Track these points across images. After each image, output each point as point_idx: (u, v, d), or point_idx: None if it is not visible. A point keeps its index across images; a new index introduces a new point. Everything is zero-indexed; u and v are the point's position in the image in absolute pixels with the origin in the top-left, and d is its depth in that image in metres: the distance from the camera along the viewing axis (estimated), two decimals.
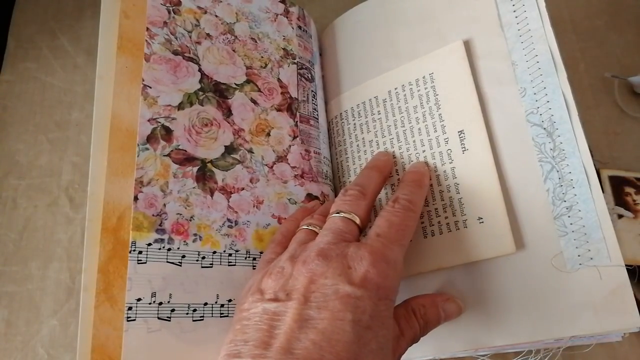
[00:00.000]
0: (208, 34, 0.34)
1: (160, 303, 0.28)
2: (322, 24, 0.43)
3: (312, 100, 0.39)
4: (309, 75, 0.39)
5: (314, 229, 0.30)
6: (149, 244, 0.28)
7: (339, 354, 0.22)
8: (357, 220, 0.29)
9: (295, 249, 0.28)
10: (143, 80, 0.31)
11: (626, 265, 0.27)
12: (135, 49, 0.31)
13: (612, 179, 0.36)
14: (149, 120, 0.30)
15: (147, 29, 0.31)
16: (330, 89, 0.40)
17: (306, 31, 0.41)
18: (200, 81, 0.33)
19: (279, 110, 0.36)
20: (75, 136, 0.44)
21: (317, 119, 0.39)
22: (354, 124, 0.37)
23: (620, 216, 0.34)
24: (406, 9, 0.37)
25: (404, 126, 0.35)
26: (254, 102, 0.35)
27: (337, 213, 0.29)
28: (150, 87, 0.31)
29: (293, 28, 0.39)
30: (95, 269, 0.27)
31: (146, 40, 0.31)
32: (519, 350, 0.32)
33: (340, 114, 0.38)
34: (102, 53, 0.30)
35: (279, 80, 0.37)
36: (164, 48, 0.32)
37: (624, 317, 0.26)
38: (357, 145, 0.37)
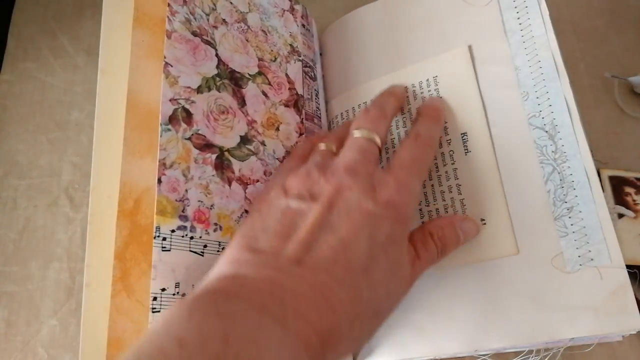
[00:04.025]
0: (224, 20, 0.33)
1: (184, 294, 0.26)
2: (321, 24, 0.43)
3: (315, 99, 0.39)
4: (313, 74, 0.39)
5: (331, 148, 0.30)
6: (173, 231, 0.27)
7: (350, 262, 0.24)
8: (378, 141, 0.29)
9: (320, 160, 0.28)
10: (165, 58, 0.29)
11: (627, 266, 0.27)
12: (151, 23, 0.29)
13: (612, 179, 0.36)
14: (170, 100, 0.29)
15: (169, 4, 0.30)
16: (332, 88, 0.40)
17: (309, 30, 0.41)
18: (217, 66, 0.32)
19: (286, 105, 0.36)
20: (75, 136, 0.44)
21: (320, 117, 0.39)
22: None
23: (620, 216, 0.34)
24: (411, 13, 0.37)
25: (405, 127, 0.35)
26: (265, 94, 0.34)
27: (358, 129, 0.29)
28: (172, 66, 0.29)
29: (298, 25, 0.39)
30: (96, 263, 0.25)
31: (167, 17, 0.29)
32: (519, 350, 0.32)
33: (341, 113, 0.38)
34: (108, 25, 0.28)
35: (286, 75, 0.37)
36: (184, 27, 0.30)
37: (624, 318, 0.26)
38: None
